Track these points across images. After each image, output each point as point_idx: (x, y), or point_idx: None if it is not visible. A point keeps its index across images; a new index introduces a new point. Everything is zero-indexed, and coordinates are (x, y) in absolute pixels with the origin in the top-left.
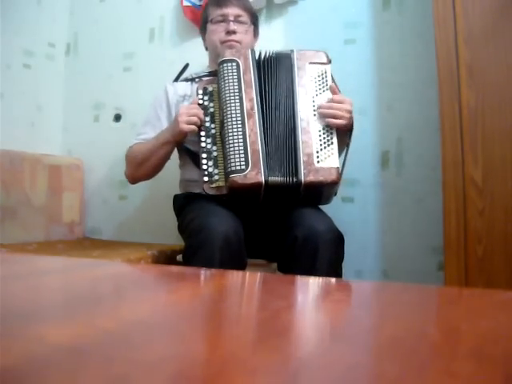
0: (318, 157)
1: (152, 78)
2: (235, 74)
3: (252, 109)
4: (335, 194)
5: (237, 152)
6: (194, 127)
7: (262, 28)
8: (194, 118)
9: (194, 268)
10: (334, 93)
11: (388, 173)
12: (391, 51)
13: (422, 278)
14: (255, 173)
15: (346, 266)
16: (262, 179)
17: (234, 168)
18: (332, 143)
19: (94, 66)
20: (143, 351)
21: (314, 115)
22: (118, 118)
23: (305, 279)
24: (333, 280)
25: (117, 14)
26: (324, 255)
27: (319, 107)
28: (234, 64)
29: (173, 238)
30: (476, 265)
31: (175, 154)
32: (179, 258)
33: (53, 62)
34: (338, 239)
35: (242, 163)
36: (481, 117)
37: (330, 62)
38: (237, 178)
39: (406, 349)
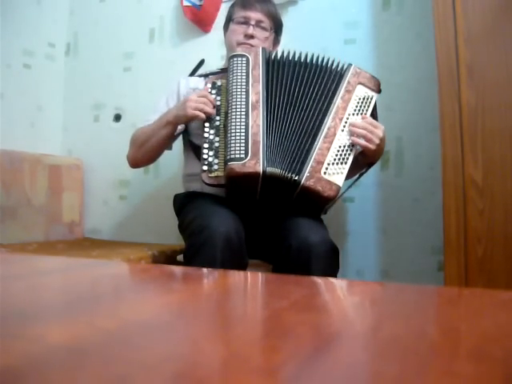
0: (326, 168)
1: (152, 78)
2: (244, 68)
3: (257, 102)
4: (325, 212)
5: (238, 141)
6: (199, 113)
7: None
8: (202, 106)
9: (195, 268)
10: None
11: (388, 172)
12: (391, 51)
13: (422, 278)
14: (254, 162)
15: (346, 265)
16: (260, 169)
17: (233, 156)
18: (346, 163)
19: (94, 66)
20: (143, 351)
21: (342, 131)
22: (117, 117)
23: (305, 279)
24: (333, 280)
25: (117, 14)
26: (317, 267)
27: (353, 125)
28: (244, 59)
29: (173, 238)
30: (476, 265)
31: (176, 151)
32: (179, 257)
33: (53, 61)
34: (331, 252)
35: (242, 152)
36: (481, 116)
37: (379, 91)
38: (235, 165)
39: (405, 349)
